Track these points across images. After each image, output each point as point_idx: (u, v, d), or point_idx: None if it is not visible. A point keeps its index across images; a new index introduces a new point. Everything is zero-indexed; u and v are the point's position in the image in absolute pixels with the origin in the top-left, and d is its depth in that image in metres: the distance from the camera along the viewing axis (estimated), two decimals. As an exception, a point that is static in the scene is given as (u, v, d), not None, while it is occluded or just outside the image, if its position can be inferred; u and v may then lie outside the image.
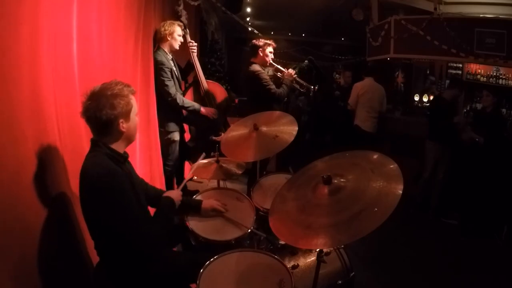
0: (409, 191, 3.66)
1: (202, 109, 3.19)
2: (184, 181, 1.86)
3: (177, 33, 3.02)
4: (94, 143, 1.48)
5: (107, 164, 1.41)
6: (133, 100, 1.52)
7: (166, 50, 3.02)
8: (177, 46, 3.07)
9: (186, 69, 3.42)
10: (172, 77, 3.00)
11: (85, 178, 1.38)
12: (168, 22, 3.03)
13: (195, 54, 3.36)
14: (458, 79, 4.92)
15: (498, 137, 3.55)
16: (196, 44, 3.40)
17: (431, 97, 6.09)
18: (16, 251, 1.34)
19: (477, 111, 4.89)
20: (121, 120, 1.45)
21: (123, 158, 1.54)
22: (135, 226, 1.41)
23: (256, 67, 3.21)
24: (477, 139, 3.55)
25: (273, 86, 3.15)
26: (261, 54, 3.25)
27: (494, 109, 3.75)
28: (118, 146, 1.51)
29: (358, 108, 4.66)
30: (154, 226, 1.51)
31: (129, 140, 1.56)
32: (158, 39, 3.02)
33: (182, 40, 3.12)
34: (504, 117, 4.63)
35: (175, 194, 1.72)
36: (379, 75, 4.83)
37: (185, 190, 3.63)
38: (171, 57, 3.08)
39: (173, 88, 2.96)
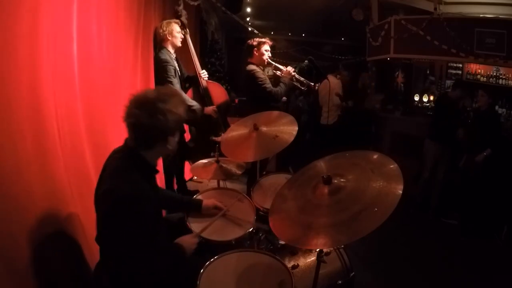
0: (409, 191, 3.65)
1: (205, 109, 3.21)
2: (208, 225, 1.72)
3: (176, 31, 3.04)
4: (129, 150, 1.39)
5: (140, 184, 1.34)
6: (184, 114, 1.43)
7: (169, 49, 3.03)
8: (179, 43, 3.08)
9: (187, 81, 3.43)
10: (175, 75, 3.01)
11: (113, 192, 1.29)
12: (165, 22, 3.05)
13: (203, 80, 3.39)
14: (460, 81, 4.94)
15: (494, 136, 3.55)
16: (206, 73, 3.45)
17: (431, 97, 6.10)
18: (15, 251, 1.35)
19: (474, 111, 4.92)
20: (169, 138, 1.39)
21: (154, 173, 1.48)
22: (147, 250, 1.34)
23: (252, 67, 3.17)
24: (485, 153, 3.52)
25: (269, 85, 3.11)
26: (256, 54, 3.19)
27: (488, 108, 3.75)
28: (152, 159, 1.45)
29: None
30: (159, 259, 1.41)
31: (165, 154, 1.51)
32: (160, 40, 3.03)
33: (183, 37, 3.13)
34: (504, 117, 4.63)
35: (188, 243, 1.56)
36: (338, 70, 5.31)
37: (185, 190, 3.65)
38: (175, 56, 3.09)
39: (177, 85, 2.97)
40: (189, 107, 3.11)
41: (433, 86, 6.39)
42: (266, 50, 3.20)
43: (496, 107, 4.69)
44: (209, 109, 3.29)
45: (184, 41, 3.24)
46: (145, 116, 1.30)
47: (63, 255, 1.60)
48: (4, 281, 1.26)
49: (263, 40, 3.22)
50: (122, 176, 1.34)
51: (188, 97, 3.12)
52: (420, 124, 4.65)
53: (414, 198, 4.02)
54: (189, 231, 1.74)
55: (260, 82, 3.09)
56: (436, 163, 3.89)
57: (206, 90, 3.43)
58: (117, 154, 1.45)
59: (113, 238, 1.32)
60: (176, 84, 2.96)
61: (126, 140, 1.42)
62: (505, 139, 3.63)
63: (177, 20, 3.17)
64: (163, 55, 2.94)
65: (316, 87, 3.24)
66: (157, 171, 1.50)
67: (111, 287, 1.44)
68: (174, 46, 3.06)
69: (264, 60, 3.20)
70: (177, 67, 3.06)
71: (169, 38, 3.01)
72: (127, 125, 1.35)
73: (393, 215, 1.13)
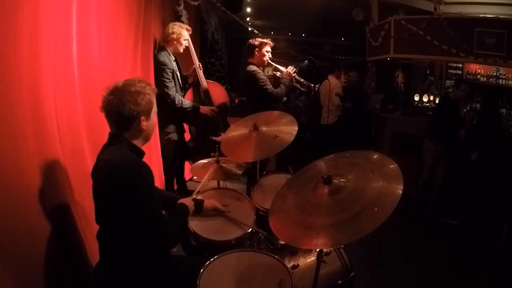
0: (409, 191, 3.66)
1: (201, 108, 3.21)
2: (196, 190, 1.84)
3: (183, 38, 3.03)
4: (114, 137, 1.48)
5: (133, 157, 1.43)
6: (154, 99, 1.53)
7: (170, 51, 3.03)
8: (181, 50, 3.08)
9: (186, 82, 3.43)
10: (173, 78, 3.01)
11: (112, 170, 1.36)
12: (177, 24, 3.03)
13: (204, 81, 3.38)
14: (459, 79, 4.94)
15: (495, 136, 3.56)
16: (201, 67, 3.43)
17: (431, 97, 6.10)
18: (16, 251, 1.35)
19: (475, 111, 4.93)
20: (142, 118, 1.47)
21: (142, 153, 1.55)
22: (157, 219, 1.43)
23: (252, 67, 3.15)
24: (474, 156, 3.59)
25: (270, 86, 3.09)
26: (258, 54, 3.17)
27: (488, 109, 3.77)
28: (136, 143, 1.52)
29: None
30: (169, 224, 1.55)
31: (147, 139, 1.57)
32: (163, 40, 3.02)
33: (187, 45, 3.12)
34: (504, 117, 4.63)
35: (189, 203, 1.71)
36: (338, 70, 5.23)
37: (185, 190, 3.66)
38: (174, 58, 3.08)
39: (173, 89, 2.97)
40: (185, 109, 3.11)
41: (433, 87, 6.39)
42: (267, 51, 3.18)
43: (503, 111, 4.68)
44: (205, 109, 3.26)
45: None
46: (115, 99, 1.41)
47: (63, 254, 1.60)
48: (4, 280, 1.26)
49: (265, 40, 3.19)
50: (115, 153, 1.41)
51: (185, 100, 3.12)
52: (420, 124, 4.65)
53: (414, 198, 4.02)
54: (189, 231, 1.75)
55: (261, 84, 3.07)
56: (435, 163, 3.89)
57: (206, 91, 3.43)
58: (105, 145, 1.50)
59: (120, 213, 1.36)
60: (172, 88, 2.96)
61: (110, 133, 1.50)
62: (506, 139, 3.63)
63: (189, 27, 3.14)
64: (162, 57, 2.93)
65: (316, 88, 3.24)
66: (143, 153, 1.56)
67: (111, 286, 1.45)
68: (176, 50, 3.06)
69: (265, 61, 3.19)
70: (175, 69, 3.06)
71: (174, 43, 3.01)
72: (104, 113, 1.44)
73: (393, 215, 1.13)
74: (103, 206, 1.44)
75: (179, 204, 1.68)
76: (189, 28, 3.15)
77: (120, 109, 1.40)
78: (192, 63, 3.38)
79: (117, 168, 1.36)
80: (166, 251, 1.53)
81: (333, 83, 4.67)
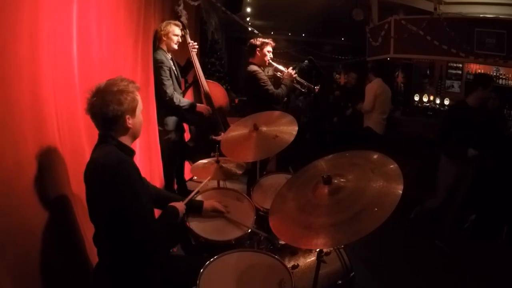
0: (409, 191, 3.61)
1: (198, 106, 3.22)
2: (191, 195, 1.83)
3: (172, 33, 3.03)
4: (102, 136, 1.48)
5: (118, 154, 1.43)
6: (138, 97, 1.53)
7: (164, 49, 3.03)
8: (173, 46, 3.07)
9: (186, 67, 3.43)
10: (171, 76, 3.02)
11: (97, 168, 1.38)
12: (165, 22, 3.06)
13: (195, 54, 3.36)
14: (479, 76, 3.70)
15: (498, 136, 3.55)
16: (196, 43, 3.40)
17: (431, 97, 6.11)
18: (16, 251, 1.35)
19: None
20: (127, 116, 1.46)
21: (131, 151, 1.55)
22: (143, 216, 1.43)
23: (253, 67, 3.14)
24: (488, 155, 3.39)
25: (271, 87, 3.08)
26: (259, 54, 3.16)
27: (497, 110, 3.74)
28: (125, 141, 1.52)
29: (372, 110, 4.45)
30: (157, 225, 1.53)
31: (135, 136, 1.57)
32: (157, 39, 3.03)
33: (180, 40, 3.12)
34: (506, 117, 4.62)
35: (180, 206, 1.69)
36: (385, 76, 4.75)
37: (185, 190, 3.66)
38: (170, 56, 3.09)
39: (171, 87, 2.97)
40: (182, 107, 3.11)
41: (430, 87, 6.40)
42: (268, 51, 3.17)
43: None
44: (201, 107, 3.27)
45: (184, 41, 3.24)
46: (98, 101, 1.41)
47: (63, 254, 1.60)
48: (4, 280, 1.26)
49: (266, 40, 3.18)
50: (103, 152, 1.42)
51: (183, 99, 3.12)
52: (420, 124, 4.65)
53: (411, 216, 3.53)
54: (189, 231, 1.75)
55: (262, 84, 3.06)
56: (455, 186, 3.13)
57: (207, 92, 3.43)
58: (95, 146, 1.51)
59: (107, 212, 1.37)
60: (170, 86, 2.97)
61: (99, 133, 1.50)
62: (507, 140, 3.63)
63: (178, 23, 3.16)
64: (159, 56, 2.94)
65: (317, 89, 3.23)
66: (133, 151, 1.56)
67: (111, 286, 1.45)
68: (169, 47, 3.06)
69: (266, 61, 3.19)
70: (172, 67, 3.06)
71: (164, 39, 3.02)
72: (89, 115, 1.45)
73: (393, 215, 1.13)
74: (94, 204, 1.44)
75: (169, 206, 1.66)
76: (178, 23, 3.14)
77: (104, 110, 1.40)
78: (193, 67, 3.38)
79: (101, 166, 1.37)
80: (155, 248, 1.51)
81: (387, 88, 4.38)
